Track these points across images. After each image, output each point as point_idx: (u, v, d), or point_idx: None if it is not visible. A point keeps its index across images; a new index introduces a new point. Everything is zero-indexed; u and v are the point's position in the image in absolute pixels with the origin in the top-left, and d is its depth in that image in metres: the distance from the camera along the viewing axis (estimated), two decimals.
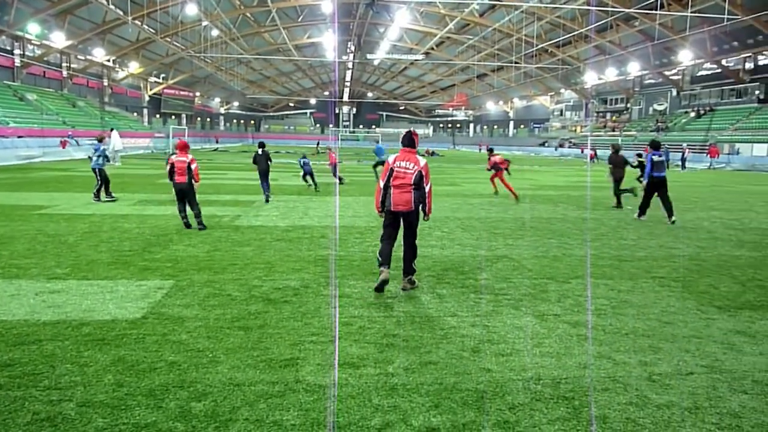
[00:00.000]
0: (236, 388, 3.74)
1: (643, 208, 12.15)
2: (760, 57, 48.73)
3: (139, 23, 51.88)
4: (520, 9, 49.72)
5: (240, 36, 65.30)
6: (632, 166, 15.22)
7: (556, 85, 77.30)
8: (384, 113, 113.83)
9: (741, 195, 18.94)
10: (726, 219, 12.75)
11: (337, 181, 19.39)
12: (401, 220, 6.17)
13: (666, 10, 43.21)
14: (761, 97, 48.72)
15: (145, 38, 59.12)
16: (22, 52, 50.64)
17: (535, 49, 57.13)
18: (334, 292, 6.09)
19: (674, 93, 60.85)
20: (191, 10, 51.16)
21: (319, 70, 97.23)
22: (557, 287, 6.50)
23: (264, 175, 14.55)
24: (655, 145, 11.85)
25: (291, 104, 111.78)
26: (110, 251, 7.91)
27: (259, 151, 14.76)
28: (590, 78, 68.97)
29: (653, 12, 41.95)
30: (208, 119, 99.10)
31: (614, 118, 71.74)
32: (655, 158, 11.57)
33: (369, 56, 75.87)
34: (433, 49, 72.97)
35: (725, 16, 36.85)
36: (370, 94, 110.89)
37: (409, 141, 6.14)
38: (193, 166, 9.89)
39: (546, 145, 76.17)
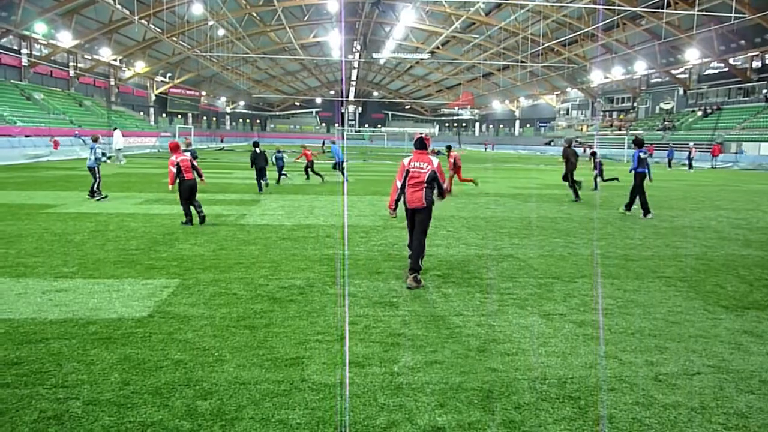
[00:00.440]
0: (242, 387, 3.75)
1: (629, 205, 12.85)
2: (767, 56, 48.43)
3: (146, 23, 52.06)
4: (526, 8, 49.64)
5: (246, 35, 65.45)
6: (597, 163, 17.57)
7: (563, 84, 77.11)
8: (389, 112, 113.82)
9: (748, 194, 18.84)
10: (733, 218, 12.68)
11: (319, 178, 20.31)
12: (415, 215, 6.61)
13: (673, 8, 43.03)
14: None
15: (152, 38, 59.32)
16: (29, 52, 50.94)
17: (541, 47, 57.07)
18: (341, 290, 6.10)
19: (681, 92, 60.59)
20: (197, 9, 51.33)
21: (325, 69, 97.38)
22: (563, 287, 6.48)
23: (262, 172, 15.90)
24: (639, 143, 12.49)
25: (297, 103, 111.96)
26: (117, 250, 7.95)
27: (257, 150, 15.96)
28: (596, 77, 68.74)
29: (660, 11, 41.77)
30: (214, 118, 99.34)
31: (621, 116, 71.48)
32: (641, 155, 12.25)
33: (375, 55, 75.85)
34: (438, 48, 72.93)
35: (732, 15, 36.68)
36: (375, 93, 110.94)
37: (421, 144, 6.67)
38: (196, 164, 10.40)
39: (552, 144, 75.99)
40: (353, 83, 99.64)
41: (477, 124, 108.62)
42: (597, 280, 6.83)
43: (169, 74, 77.02)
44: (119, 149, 29.71)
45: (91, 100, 60.29)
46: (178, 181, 10.17)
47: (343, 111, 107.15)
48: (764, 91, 48.99)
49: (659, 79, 63.83)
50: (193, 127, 68.54)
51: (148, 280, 6.38)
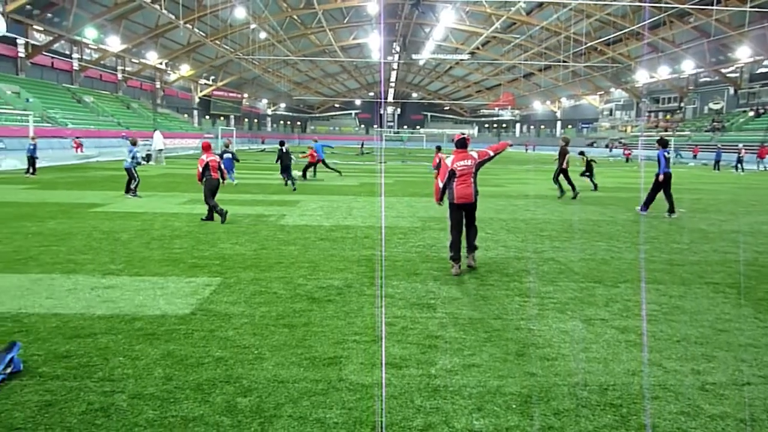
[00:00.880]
0: (281, 385, 3.80)
1: (647, 204, 12.90)
2: None
3: (190, 27, 53.35)
4: (568, 7, 48.77)
5: (287, 38, 66.35)
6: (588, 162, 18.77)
7: (606, 84, 75.45)
8: (428, 113, 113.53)
9: None
10: None
11: (304, 175, 20.88)
12: (463, 210, 7.10)
13: (723, 5, 41.60)
14: None
15: (196, 41, 60.73)
16: (80, 56, 52.94)
17: (583, 47, 55.97)
18: (379, 292, 6.12)
19: (732, 91, 58.50)
20: (240, 13, 52.31)
21: (364, 71, 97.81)
22: (605, 291, 6.34)
23: (286, 168, 17.42)
24: (663, 143, 12.50)
25: (336, 105, 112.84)
26: (161, 248, 8.17)
27: (283, 149, 17.51)
28: (642, 76, 66.94)
29: (709, 8, 40.44)
30: (256, 120, 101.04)
31: (667, 117, 69.49)
32: (666, 155, 12.30)
33: (414, 56, 75.77)
34: (478, 48, 72.36)
35: None
36: (414, 95, 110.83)
37: (463, 143, 7.21)
38: (222, 166, 11.15)
39: (595, 145, 74.47)
40: (392, 85, 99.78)
41: (517, 125, 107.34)
42: (641, 285, 6.65)
43: (212, 77, 78.71)
44: (159, 150, 30.54)
45: (137, 103, 62.13)
46: (204, 179, 10.74)
47: (381, 112, 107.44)
48: None
49: (708, 79, 61.79)
50: (235, 129, 69.86)
51: (191, 278, 6.53)
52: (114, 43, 51.54)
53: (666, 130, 64.21)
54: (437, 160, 16.54)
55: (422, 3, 54.88)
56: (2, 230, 9.33)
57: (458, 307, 5.62)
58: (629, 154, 47.80)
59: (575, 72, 70.93)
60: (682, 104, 67.01)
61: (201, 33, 56.58)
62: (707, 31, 47.33)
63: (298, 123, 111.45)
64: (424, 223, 11.03)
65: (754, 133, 48.70)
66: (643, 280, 6.86)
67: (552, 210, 13.62)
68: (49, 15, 44.11)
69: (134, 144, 15.21)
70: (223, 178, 11.14)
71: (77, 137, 24.96)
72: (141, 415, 3.38)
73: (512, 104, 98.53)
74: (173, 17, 47.45)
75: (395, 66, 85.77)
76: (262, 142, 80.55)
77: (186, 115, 75.25)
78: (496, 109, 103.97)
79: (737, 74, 56.97)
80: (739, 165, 33.47)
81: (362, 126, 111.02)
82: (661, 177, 12.27)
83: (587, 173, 18.95)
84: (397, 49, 75.63)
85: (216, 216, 10.77)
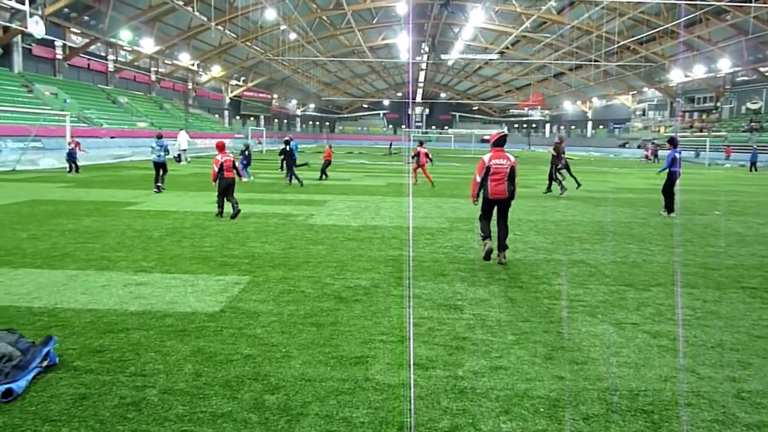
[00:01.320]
0: (308, 383, 3.82)
1: (670, 205, 12.84)
2: None
3: (222, 28, 54.10)
4: (600, 5, 47.98)
5: (316, 39, 66.78)
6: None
7: (639, 83, 74.01)
8: (457, 114, 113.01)
9: None
10: None
11: (320, 176, 21.35)
12: (496, 206, 7.58)
13: (761, 2, 40.42)
14: None
15: (227, 43, 61.55)
16: (115, 58, 54.16)
17: (616, 46, 55.03)
18: (406, 292, 6.11)
19: None
20: (270, 14, 52.83)
21: (393, 72, 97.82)
22: (636, 295, 6.22)
23: (290, 165, 18.43)
24: (674, 143, 12.70)
25: (364, 105, 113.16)
26: (192, 247, 8.30)
27: (287, 148, 18.44)
28: (676, 76, 65.41)
29: (747, 5, 39.35)
30: (285, 120, 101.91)
31: (703, 117, 67.83)
32: (676, 155, 12.52)
33: (443, 57, 75.47)
34: (508, 48, 71.72)
35: None
36: (443, 95, 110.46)
37: (500, 142, 7.56)
38: (238, 165, 11.66)
39: (627, 146, 73.11)
40: (421, 85, 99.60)
41: (547, 126, 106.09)
42: (677, 289, 6.51)
43: (242, 78, 79.66)
44: (184, 150, 31.05)
45: (170, 103, 63.26)
46: (218, 177, 11.22)
47: (410, 113, 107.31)
48: None
49: (746, 78, 60.06)
50: (265, 129, 70.62)
51: (221, 276, 6.63)
52: (148, 45, 52.58)
53: (701, 131, 62.73)
54: (416, 153, 19.47)
55: (451, 3, 54.61)
56: (40, 227, 9.61)
57: (486, 309, 5.58)
58: (654, 151, 46.54)
59: (607, 71, 69.76)
60: (719, 104, 65.28)
61: (232, 34, 57.33)
62: (745, 28, 46.04)
63: (327, 123, 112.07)
64: (452, 224, 10.99)
65: None
66: (679, 285, 6.71)
67: (582, 211, 13.42)
68: (86, 18, 45.20)
69: (159, 138, 15.90)
70: (240, 175, 11.83)
71: (73, 137, 25.39)
72: (171, 410, 3.44)
73: (542, 104, 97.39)
74: (205, 19, 48.16)
75: (424, 66, 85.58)
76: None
77: (217, 116, 76.29)
78: (526, 109, 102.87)
79: None
80: None
81: (390, 126, 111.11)
82: (665, 172, 12.71)
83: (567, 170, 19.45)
84: (426, 49, 75.44)
85: (227, 211, 11.30)
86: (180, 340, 4.55)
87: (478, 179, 7.51)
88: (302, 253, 8.00)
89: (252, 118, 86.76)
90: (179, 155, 30.52)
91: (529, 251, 8.54)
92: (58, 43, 44.96)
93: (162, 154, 15.56)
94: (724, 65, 57.78)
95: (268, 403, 3.54)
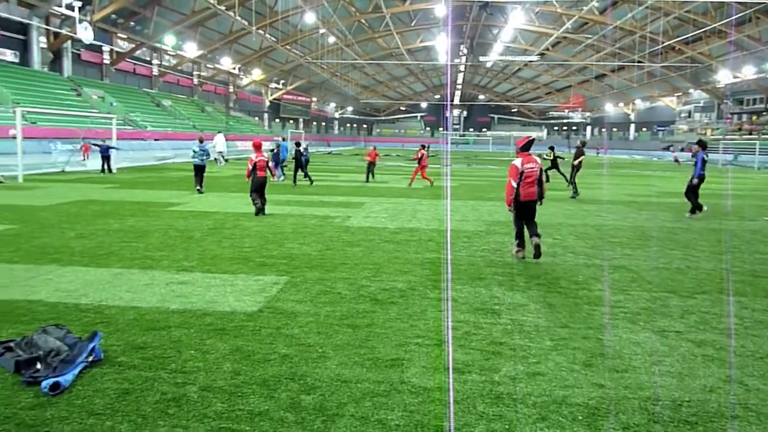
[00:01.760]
0: (343, 385, 3.85)
1: (696, 206, 12.95)
2: None
3: (262, 32, 54.92)
4: (645, 5, 46.85)
5: (355, 42, 67.16)
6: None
7: (684, 84, 71.86)
8: (495, 116, 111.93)
9: None
10: None
11: (366, 178, 21.55)
12: (526, 207, 7.88)
13: None
14: None
15: (268, 47, 62.46)
16: (159, 62, 55.68)
17: (660, 46, 53.55)
18: (443, 295, 6.09)
19: None
20: (310, 18, 53.38)
21: (431, 74, 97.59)
22: (680, 302, 6.04)
23: (303, 166, 19.40)
24: (703, 145, 12.88)
25: (402, 108, 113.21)
26: (232, 247, 8.45)
27: (301, 149, 19.32)
28: (724, 76, 63.28)
29: None
30: (323, 123, 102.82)
31: (753, 119, 65.43)
32: (705, 157, 12.66)
33: (481, 59, 74.89)
34: (548, 49, 70.68)
35: None
36: (481, 97, 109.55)
37: (528, 147, 7.94)
38: (270, 164, 12.31)
39: (671, 149, 71.12)
40: (459, 87, 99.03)
41: (588, 128, 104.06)
42: (723, 296, 6.29)
43: (282, 81, 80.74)
44: (220, 152, 31.65)
45: (212, 106, 64.57)
46: (252, 175, 11.86)
47: (447, 115, 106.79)
48: None
49: None
50: (304, 132, 71.44)
51: (259, 276, 6.73)
52: (191, 49, 53.81)
53: (750, 133, 60.54)
54: (420, 155, 19.90)
55: (490, 5, 54.16)
56: (87, 226, 9.94)
57: (523, 314, 5.51)
58: (692, 154, 45.46)
59: (651, 72, 68.00)
60: None
61: (272, 38, 58.15)
62: None
63: (365, 126, 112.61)
64: (489, 227, 10.88)
65: None
66: (731, 292, 6.49)
67: (624, 216, 13.12)
68: (132, 23, 46.60)
69: (201, 141, 16.63)
70: (273, 175, 12.78)
71: (85, 138, 25.79)
72: (210, 407, 3.51)
73: (583, 106, 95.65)
74: (246, 23, 48.99)
75: (462, 68, 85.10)
76: (328, 145, 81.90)
77: (257, 118, 77.53)
78: (566, 111, 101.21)
79: None
80: None
81: (427, 129, 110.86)
82: (695, 180, 12.72)
83: (552, 169, 20.37)
84: (464, 51, 75.02)
85: (252, 208, 11.90)
86: (219, 339, 4.64)
87: (514, 184, 7.71)
88: (339, 255, 8.05)
89: (291, 121, 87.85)
90: (216, 157, 31.14)
91: (568, 256, 8.39)
92: (106, 48, 46.42)
93: (204, 157, 16.14)
94: None
95: (304, 403, 3.57)
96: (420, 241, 9.30)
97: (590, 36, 61.34)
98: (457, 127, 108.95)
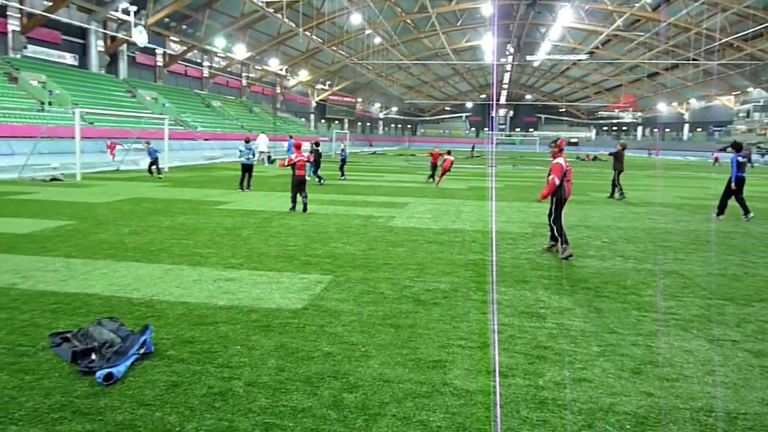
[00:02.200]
0: (385, 384, 3.86)
1: (721, 208, 12.91)
2: None
3: (309, 34, 55.67)
4: (700, 1, 45.20)
5: (400, 42, 67.21)
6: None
7: (743, 83, 68.94)
8: (542, 116, 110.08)
9: None
10: None
11: (434, 179, 21.46)
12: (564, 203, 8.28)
13: None
14: None
15: (314, 48, 63.24)
16: (209, 64, 57.16)
17: (717, 43, 51.59)
18: (488, 297, 6.03)
19: None
20: (356, 19, 53.78)
21: (477, 74, 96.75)
22: (736, 310, 5.80)
23: (317, 165, 19.71)
24: (737, 147, 12.76)
25: (446, 108, 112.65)
26: (278, 245, 8.59)
27: (318, 150, 19.83)
28: None
29: None
30: (368, 123, 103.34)
31: None
32: (740, 159, 12.57)
33: (529, 58, 73.77)
34: (598, 47, 69.02)
35: None
36: (528, 96, 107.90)
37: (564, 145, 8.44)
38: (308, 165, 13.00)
39: (728, 150, 68.33)
40: (505, 87, 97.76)
41: (639, 128, 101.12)
42: None
43: (328, 82, 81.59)
44: (262, 152, 32.17)
45: (259, 107, 65.83)
46: (292, 174, 12.28)
47: (493, 115, 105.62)
48: None
49: None
50: (349, 132, 71.99)
51: (304, 274, 6.81)
52: (240, 51, 55.02)
53: None
54: (443, 160, 20.43)
55: (538, 3, 53.28)
56: (140, 223, 10.28)
57: (570, 318, 5.40)
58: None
59: (707, 71, 65.51)
60: None
61: (319, 39, 58.85)
62: None
63: (409, 126, 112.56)
64: (535, 229, 10.71)
65: None
66: None
67: (676, 219, 12.69)
68: (184, 26, 48.00)
69: (247, 141, 17.06)
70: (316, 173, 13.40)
71: (113, 139, 26.30)
72: (255, 402, 3.57)
73: (634, 106, 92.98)
74: (293, 25, 49.73)
75: (508, 68, 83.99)
76: (370, 145, 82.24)
77: (303, 119, 78.61)
78: (616, 111, 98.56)
79: None
80: None
81: (472, 129, 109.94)
82: (733, 185, 12.64)
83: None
84: (511, 50, 73.99)
85: (299, 206, 12.37)
86: (264, 335, 4.72)
87: (557, 182, 8.05)
88: (382, 255, 8.08)
89: (336, 122, 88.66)
90: (260, 157, 31.69)
91: (617, 260, 8.17)
92: (159, 50, 47.97)
93: (250, 156, 16.57)
94: None
95: (346, 402, 3.60)
96: (464, 243, 9.23)
97: (642, 33, 59.55)
98: (503, 127, 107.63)
